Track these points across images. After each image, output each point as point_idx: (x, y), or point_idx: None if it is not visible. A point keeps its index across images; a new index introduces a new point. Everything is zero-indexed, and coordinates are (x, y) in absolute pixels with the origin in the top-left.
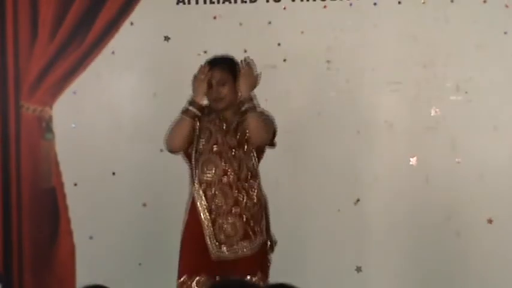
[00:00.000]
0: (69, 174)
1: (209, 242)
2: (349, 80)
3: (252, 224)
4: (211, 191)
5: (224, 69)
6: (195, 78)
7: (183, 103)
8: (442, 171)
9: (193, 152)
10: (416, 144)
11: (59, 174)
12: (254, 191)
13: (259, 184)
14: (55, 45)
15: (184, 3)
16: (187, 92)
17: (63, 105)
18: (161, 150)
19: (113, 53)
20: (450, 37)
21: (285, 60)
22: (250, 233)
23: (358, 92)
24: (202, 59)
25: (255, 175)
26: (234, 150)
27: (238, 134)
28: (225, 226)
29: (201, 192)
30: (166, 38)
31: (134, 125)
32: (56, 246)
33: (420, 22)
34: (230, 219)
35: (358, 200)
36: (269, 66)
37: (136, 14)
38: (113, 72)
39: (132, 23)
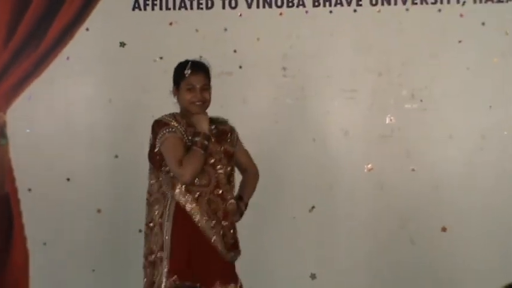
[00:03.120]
0: (23, 180)
1: (219, 246)
2: (304, 88)
3: (236, 233)
4: (204, 198)
5: (207, 74)
6: (196, 115)
7: (139, 109)
8: (397, 179)
9: None
10: (372, 152)
11: (12, 180)
12: (232, 200)
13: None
14: (9, 50)
15: (140, 9)
16: (143, 98)
17: (17, 111)
18: (116, 156)
19: (67, 58)
20: (405, 45)
21: (240, 67)
22: (238, 241)
23: (314, 100)
24: (158, 65)
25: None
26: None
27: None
28: (225, 231)
29: (190, 198)
30: (122, 44)
31: (89, 131)
32: (9, 253)
33: (375, 30)
34: (226, 225)
35: (313, 207)
36: (225, 73)
37: (92, 20)
38: (68, 78)
39: (87, 29)
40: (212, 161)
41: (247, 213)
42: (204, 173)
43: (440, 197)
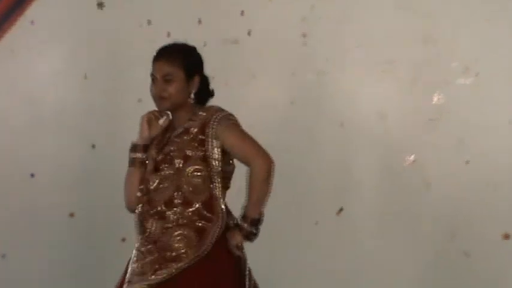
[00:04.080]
0: None
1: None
2: (329, 59)
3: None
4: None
5: (172, 62)
6: (142, 119)
7: (121, 87)
8: (446, 174)
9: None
10: (415, 140)
11: None
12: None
13: None
14: None
15: None
16: (126, 74)
17: None
18: (93, 147)
19: (32, 22)
20: (456, 7)
21: (249, 33)
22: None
23: (341, 75)
24: (145, 32)
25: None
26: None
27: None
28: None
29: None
30: (100, 5)
31: (60, 114)
32: None
33: None
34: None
35: (341, 210)
36: (230, 41)
37: None
38: (32, 49)
39: None
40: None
41: None
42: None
43: (501, 196)
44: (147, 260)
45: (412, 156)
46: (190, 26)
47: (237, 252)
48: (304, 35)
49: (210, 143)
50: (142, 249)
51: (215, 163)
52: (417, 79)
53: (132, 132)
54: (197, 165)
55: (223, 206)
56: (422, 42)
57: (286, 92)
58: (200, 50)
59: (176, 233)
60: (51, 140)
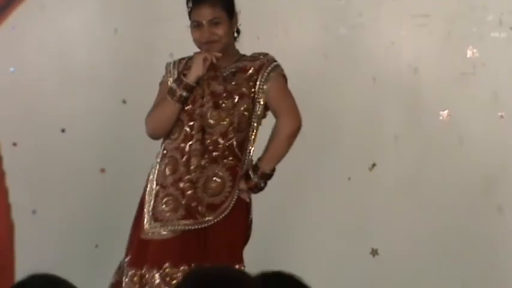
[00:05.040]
0: (6, 132)
1: (145, 218)
2: (363, 13)
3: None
4: (165, 157)
5: (216, 4)
6: (195, 55)
7: (153, 43)
8: (481, 129)
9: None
10: (449, 95)
11: None
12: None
13: None
14: None
15: None
16: (158, 29)
17: None
18: (124, 102)
19: None
20: None
21: None
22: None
23: (374, 28)
24: None
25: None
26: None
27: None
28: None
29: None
30: None
31: (90, 69)
32: None
33: None
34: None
35: (373, 165)
36: None
37: None
38: (62, 3)
39: None
40: (188, 107)
41: (287, 176)
42: (177, 126)
43: None
44: (184, 203)
45: (446, 111)
46: None
47: (242, 196)
48: None
49: (260, 86)
50: (174, 191)
51: (259, 106)
52: (451, 33)
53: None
54: (247, 103)
55: (251, 148)
56: None
57: (319, 46)
58: (236, 5)
59: (216, 171)
60: (81, 94)
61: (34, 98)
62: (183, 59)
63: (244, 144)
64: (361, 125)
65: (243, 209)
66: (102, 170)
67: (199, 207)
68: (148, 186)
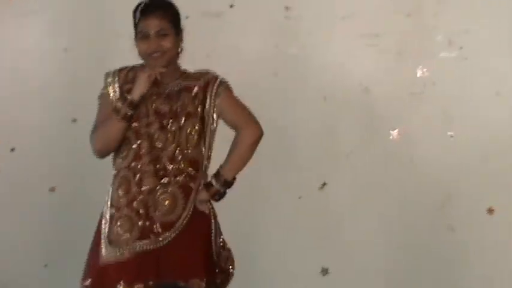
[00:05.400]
0: None
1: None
2: (313, 32)
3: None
4: (117, 176)
5: (164, 17)
6: (143, 73)
7: (102, 60)
8: (431, 147)
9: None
10: (399, 114)
11: None
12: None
13: None
14: None
15: None
16: (109, 47)
17: None
18: (74, 121)
19: None
20: None
21: (232, 6)
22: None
23: (325, 48)
24: (129, 1)
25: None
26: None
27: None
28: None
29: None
30: None
31: (40, 88)
32: None
33: None
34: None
35: (324, 184)
36: (212, 14)
37: None
38: (12, 20)
39: None
40: (134, 125)
41: (239, 194)
42: (124, 144)
43: (486, 170)
44: (138, 223)
45: (396, 130)
46: None
47: (202, 208)
48: (287, 8)
49: (210, 102)
50: (128, 212)
51: (212, 122)
52: (401, 52)
53: None
54: (196, 122)
55: (207, 164)
56: (407, 15)
57: (270, 65)
58: (182, 22)
59: (168, 190)
60: (32, 113)
61: None
62: (121, 70)
63: (198, 161)
64: (312, 143)
65: (203, 222)
66: (52, 189)
67: (154, 227)
68: (104, 209)
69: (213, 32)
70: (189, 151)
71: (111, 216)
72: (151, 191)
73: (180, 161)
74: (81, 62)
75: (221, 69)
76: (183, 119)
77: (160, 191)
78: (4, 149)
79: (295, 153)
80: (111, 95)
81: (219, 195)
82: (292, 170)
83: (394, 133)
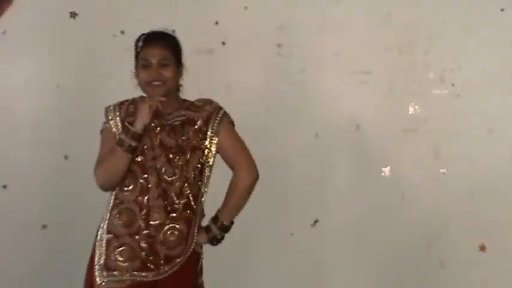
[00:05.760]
0: None
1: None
2: (305, 69)
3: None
4: (119, 208)
5: (166, 47)
6: (140, 103)
7: (94, 97)
8: (422, 185)
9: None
10: (391, 151)
11: None
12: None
13: None
14: None
15: None
16: (99, 84)
17: None
18: (65, 158)
19: (3, 32)
20: (433, 16)
21: (224, 43)
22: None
23: (316, 84)
24: (119, 41)
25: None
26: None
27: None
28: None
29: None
30: (73, 15)
31: (32, 125)
32: None
33: None
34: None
35: (316, 222)
36: (204, 51)
37: None
38: (4, 58)
39: None
40: (139, 159)
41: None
42: (130, 177)
43: (478, 207)
44: (141, 255)
45: (388, 167)
46: None
47: (197, 248)
48: (279, 45)
49: (210, 138)
50: (130, 241)
51: (211, 157)
52: (393, 89)
53: None
54: (199, 156)
55: (203, 199)
56: (398, 52)
57: (261, 101)
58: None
59: (176, 226)
60: (23, 150)
61: None
62: (122, 103)
63: (198, 195)
64: (302, 180)
65: (194, 259)
66: (44, 226)
67: (158, 260)
68: (98, 236)
69: (205, 68)
70: (194, 185)
71: (108, 242)
72: (160, 226)
73: (188, 195)
74: (74, 98)
75: None
76: (189, 153)
77: (168, 226)
78: None
79: (286, 190)
80: (113, 129)
81: (216, 240)
82: (283, 207)
83: (386, 170)
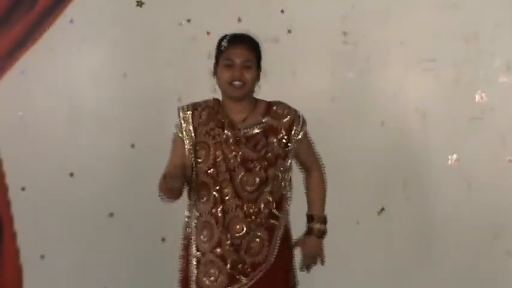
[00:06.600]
0: (15, 176)
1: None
2: (370, 58)
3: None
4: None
5: (250, 49)
6: (164, 178)
7: (159, 86)
8: (489, 173)
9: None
10: (457, 140)
11: (1, 176)
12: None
13: None
14: None
15: None
16: (166, 73)
17: (8, 88)
18: (132, 146)
19: (71, 21)
20: (498, 4)
21: (289, 31)
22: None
23: (382, 73)
24: (185, 30)
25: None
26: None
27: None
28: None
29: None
30: (139, 3)
31: (99, 113)
32: None
33: None
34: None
35: (382, 210)
36: (270, 40)
37: None
38: (71, 47)
39: None
40: (210, 171)
41: (299, 219)
42: (203, 189)
43: None
44: (225, 268)
45: (455, 156)
46: (230, 24)
47: (312, 262)
48: (344, 34)
49: (293, 146)
50: (213, 258)
51: (290, 163)
52: (459, 78)
53: (171, 131)
54: (282, 165)
55: (288, 206)
56: (464, 40)
57: (327, 90)
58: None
59: (257, 234)
60: (90, 139)
61: (43, 142)
62: (196, 106)
63: (282, 201)
64: (369, 169)
65: (288, 257)
66: (111, 214)
67: (244, 268)
68: (192, 250)
69: (271, 57)
70: (277, 192)
71: (198, 261)
72: (242, 236)
73: (270, 203)
74: (140, 87)
75: (279, 93)
76: (272, 162)
77: (250, 235)
78: (63, 174)
79: (352, 179)
80: (184, 134)
81: (323, 233)
82: (349, 195)
83: (453, 158)
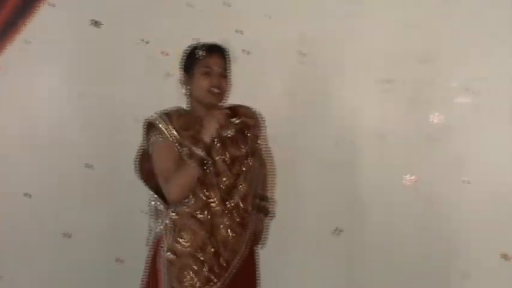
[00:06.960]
0: None
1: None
2: (327, 78)
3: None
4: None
5: (225, 58)
6: (211, 116)
7: (117, 106)
8: (445, 193)
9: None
10: (413, 160)
11: None
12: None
13: None
14: None
15: None
16: (122, 92)
17: None
18: (87, 166)
19: (28, 42)
20: (457, 25)
21: (247, 52)
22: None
23: (338, 93)
24: (142, 50)
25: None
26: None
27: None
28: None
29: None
30: (96, 23)
31: (54, 134)
32: None
33: (419, 5)
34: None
35: (338, 230)
36: None
37: None
38: (28, 67)
39: (53, 5)
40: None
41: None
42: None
43: (501, 215)
44: (202, 271)
45: (412, 176)
46: (187, 45)
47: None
48: (301, 53)
49: (260, 140)
50: (192, 262)
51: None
52: (416, 98)
53: (128, 151)
54: (254, 161)
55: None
56: (422, 61)
57: (284, 111)
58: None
59: (235, 229)
60: (46, 159)
61: None
62: (169, 115)
63: (250, 196)
64: (324, 189)
65: (253, 260)
66: (67, 235)
67: (221, 269)
68: (162, 254)
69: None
70: (255, 189)
71: (171, 263)
72: (228, 238)
73: (249, 200)
74: (95, 106)
75: None
76: (250, 158)
77: (232, 234)
78: (18, 194)
79: (308, 199)
80: (170, 140)
81: (264, 210)
82: (305, 216)
83: (409, 179)
